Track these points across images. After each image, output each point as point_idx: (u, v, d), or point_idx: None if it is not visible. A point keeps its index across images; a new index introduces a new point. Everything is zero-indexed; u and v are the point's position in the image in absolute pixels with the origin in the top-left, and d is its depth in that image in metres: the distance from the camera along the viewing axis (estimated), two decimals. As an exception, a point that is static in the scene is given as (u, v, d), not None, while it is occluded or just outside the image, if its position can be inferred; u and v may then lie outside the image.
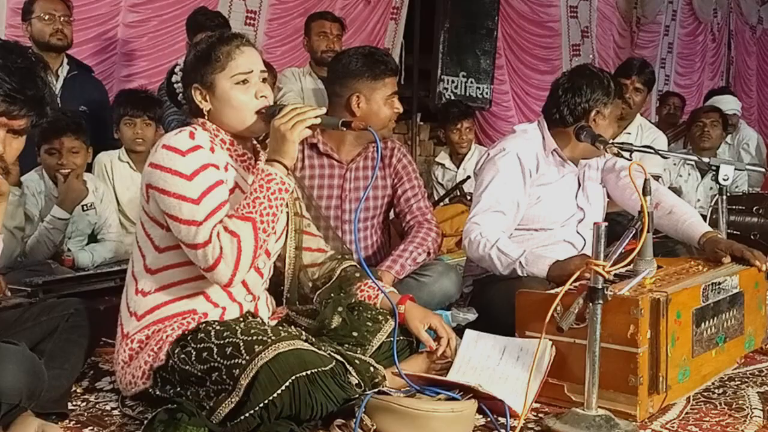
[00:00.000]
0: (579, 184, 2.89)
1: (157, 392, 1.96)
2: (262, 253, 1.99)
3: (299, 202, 2.27)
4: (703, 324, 2.21)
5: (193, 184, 1.94)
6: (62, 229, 3.34)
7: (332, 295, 2.24)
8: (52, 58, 3.86)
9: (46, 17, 3.88)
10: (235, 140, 2.10)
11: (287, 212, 2.22)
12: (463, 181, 5.07)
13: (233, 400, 1.82)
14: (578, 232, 2.86)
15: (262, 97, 2.06)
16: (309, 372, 1.81)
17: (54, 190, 3.43)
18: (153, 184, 1.98)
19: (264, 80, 2.09)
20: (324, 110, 2.06)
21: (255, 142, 2.21)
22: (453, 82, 6.67)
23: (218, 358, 1.86)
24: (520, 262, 2.54)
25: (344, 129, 2.13)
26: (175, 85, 2.16)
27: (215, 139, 2.07)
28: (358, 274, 2.32)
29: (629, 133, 4.15)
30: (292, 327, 2.16)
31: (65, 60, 4.04)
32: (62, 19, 3.92)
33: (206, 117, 2.08)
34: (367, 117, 2.75)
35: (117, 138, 3.81)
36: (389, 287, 2.41)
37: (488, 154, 2.85)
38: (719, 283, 2.28)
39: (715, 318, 2.26)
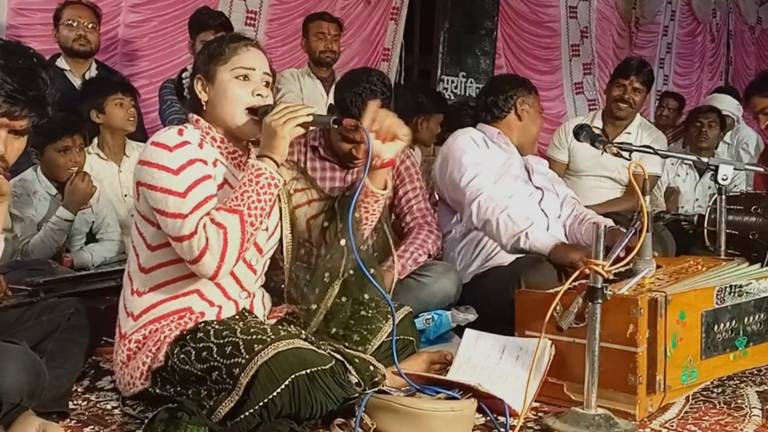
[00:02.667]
0: (528, 171, 3.05)
1: (157, 391, 1.96)
2: (249, 246, 1.99)
3: (295, 182, 2.24)
4: (717, 326, 2.16)
5: (179, 178, 1.94)
6: (67, 229, 3.35)
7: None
8: (78, 63, 4.06)
9: (74, 24, 4.01)
10: (225, 138, 2.10)
11: (280, 207, 2.20)
12: None
13: (233, 399, 1.82)
14: (542, 210, 2.97)
15: (258, 95, 2.06)
16: (308, 371, 1.81)
17: (52, 189, 3.43)
18: (142, 181, 1.99)
19: (267, 84, 2.09)
20: (315, 108, 2.07)
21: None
22: (453, 82, 6.69)
23: (218, 358, 1.86)
24: (527, 233, 2.58)
25: (335, 126, 2.13)
26: (184, 81, 2.16)
27: (206, 136, 2.07)
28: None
29: (629, 133, 4.15)
30: (291, 326, 2.16)
31: (94, 65, 4.16)
32: (88, 25, 4.04)
33: (204, 108, 2.08)
34: None
35: (98, 122, 3.71)
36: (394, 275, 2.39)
37: (444, 149, 3.05)
38: (741, 286, 2.23)
39: (734, 321, 2.21)
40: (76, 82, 4.06)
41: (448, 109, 4.42)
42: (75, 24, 4.01)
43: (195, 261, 1.92)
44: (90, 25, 4.05)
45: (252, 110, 2.05)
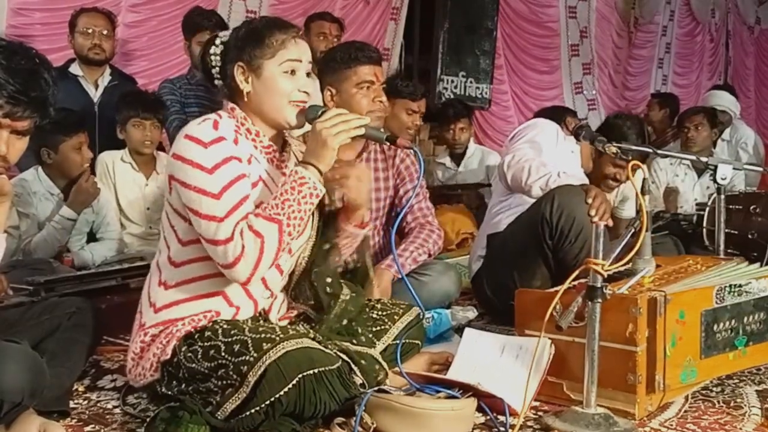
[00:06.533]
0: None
1: (163, 389, 1.96)
2: (284, 255, 1.97)
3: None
4: (716, 326, 2.16)
5: (214, 178, 1.90)
6: (69, 229, 3.36)
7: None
8: (92, 70, 4.12)
9: (89, 31, 4.05)
10: (260, 131, 2.05)
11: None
12: (480, 185, 5.04)
13: (240, 396, 1.81)
14: None
15: (304, 92, 2.04)
16: (316, 370, 1.80)
17: (53, 188, 3.43)
18: (175, 176, 1.94)
19: (308, 74, 2.07)
20: (368, 120, 2.04)
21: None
22: (453, 81, 6.69)
23: (226, 355, 1.85)
24: (559, 173, 2.72)
25: (387, 144, 2.10)
26: (212, 57, 2.10)
27: (241, 128, 2.03)
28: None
29: None
30: (300, 326, 2.14)
31: (108, 71, 4.21)
32: (102, 33, 4.09)
33: (244, 98, 2.03)
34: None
35: (121, 138, 3.82)
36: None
37: (524, 123, 3.22)
38: (740, 285, 2.23)
39: (734, 320, 2.21)
40: (90, 89, 4.10)
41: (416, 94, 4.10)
42: (90, 32, 4.05)
43: (229, 266, 1.89)
44: (105, 33, 4.10)
45: (296, 104, 2.03)
